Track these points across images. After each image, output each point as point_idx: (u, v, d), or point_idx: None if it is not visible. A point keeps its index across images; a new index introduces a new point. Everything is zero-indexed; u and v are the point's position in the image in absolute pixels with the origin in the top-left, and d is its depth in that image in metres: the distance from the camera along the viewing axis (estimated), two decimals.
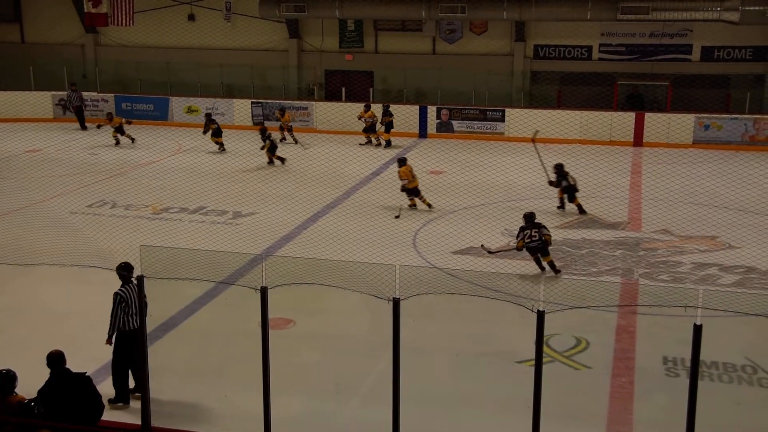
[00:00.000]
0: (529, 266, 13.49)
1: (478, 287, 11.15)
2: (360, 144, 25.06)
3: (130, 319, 8.99)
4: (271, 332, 7.38)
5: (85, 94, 29.09)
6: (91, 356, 9.23)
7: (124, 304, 8.98)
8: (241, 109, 28.26)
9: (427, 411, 8.89)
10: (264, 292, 7.18)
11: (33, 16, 32.16)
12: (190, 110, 28.40)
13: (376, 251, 13.56)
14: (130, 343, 8.84)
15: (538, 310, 6.66)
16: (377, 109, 25.44)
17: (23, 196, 17.87)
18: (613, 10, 25.24)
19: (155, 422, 7.67)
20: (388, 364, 7.23)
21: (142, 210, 17.31)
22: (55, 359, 7.65)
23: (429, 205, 17.48)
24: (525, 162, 21.63)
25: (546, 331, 6.75)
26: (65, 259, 13.20)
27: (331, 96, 29.54)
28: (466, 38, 29.01)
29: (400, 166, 17.74)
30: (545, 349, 10.02)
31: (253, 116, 28.04)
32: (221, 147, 23.83)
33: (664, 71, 27.33)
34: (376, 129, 25.05)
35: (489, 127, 26.61)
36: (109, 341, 9.03)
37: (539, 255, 13.28)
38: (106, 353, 9.97)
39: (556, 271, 13.13)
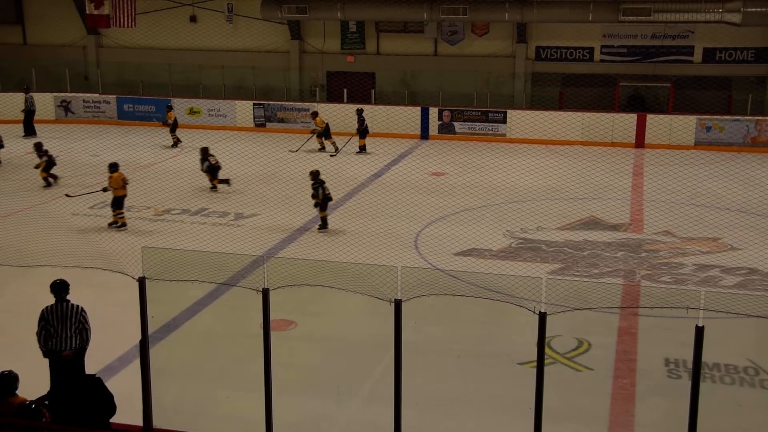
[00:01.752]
0: (531, 268, 13.48)
1: (479, 289, 11.13)
2: (319, 149, 24.50)
3: (54, 340, 8.63)
4: (272, 334, 7.38)
5: (87, 95, 29.15)
6: (94, 358, 9.22)
7: (44, 323, 8.68)
8: (243, 111, 28.28)
9: (428, 413, 8.88)
10: (266, 293, 7.17)
11: (35, 18, 32.20)
12: (191, 112, 28.42)
13: (377, 253, 13.56)
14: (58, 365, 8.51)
15: (540, 312, 6.65)
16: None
17: (25, 198, 17.89)
18: (614, 12, 25.26)
19: (157, 423, 7.67)
20: (389, 365, 7.23)
21: (144, 211, 17.32)
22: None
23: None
24: (527, 164, 21.66)
25: (548, 333, 6.74)
26: (67, 260, 13.20)
27: (333, 97, 29.57)
28: (467, 40, 29.02)
29: (111, 173, 16.13)
30: (547, 350, 10.03)
31: (254, 118, 28.06)
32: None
33: (665, 73, 27.33)
34: (323, 135, 24.47)
35: (491, 128, 26.61)
36: (44, 356, 8.69)
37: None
38: (109, 354, 10.00)
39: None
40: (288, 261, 10.25)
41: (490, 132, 26.59)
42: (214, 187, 19.32)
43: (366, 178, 20.79)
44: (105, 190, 16.37)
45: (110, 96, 29.24)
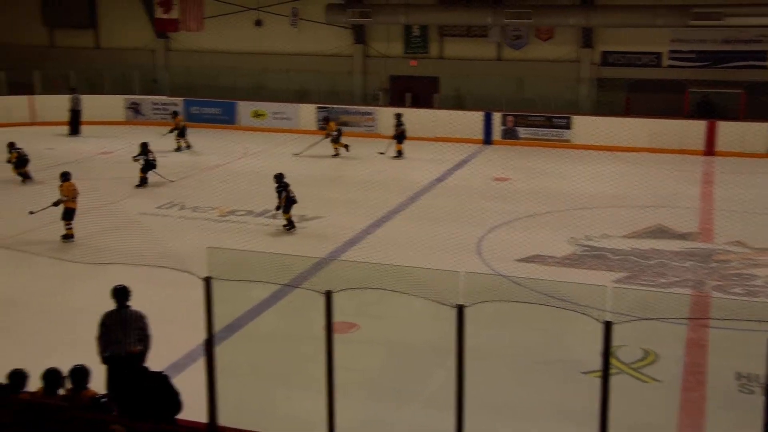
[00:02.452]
0: (596, 276, 13.26)
1: (542, 296, 10.99)
2: (333, 155, 24.32)
3: (115, 346, 8.72)
4: (334, 336, 7.40)
5: (155, 98, 29.78)
6: (160, 355, 9.36)
7: (104, 328, 8.80)
8: (306, 114, 28.53)
9: (489, 419, 8.79)
10: (328, 295, 7.19)
11: (107, 23, 33.05)
12: (256, 115, 28.78)
13: (440, 257, 13.51)
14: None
15: (605, 321, 6.53)
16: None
17: (96, 197, 18.32)
18: (684, 16, 24.70)
19: (221, 421, 7.76)
20: (449, 371, 7.18)
21: (209, 212, 17.59)
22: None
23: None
24: (591, 170, 21.34)
25: (613, 343, 6.61)
26: (135, 259, 13.50)
27: (396, 101, 29.60)
28: (532, 44, 28.75)
29: (62, 181, 15.69)
30: (612, 360, 9.84)
31: (318, 121, 28.27)
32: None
33: (737, 78, 26.60)
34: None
35: (555, 134, 26.32)
36: (102, 362, 8.71)
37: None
38: (175, 352, 10.16)
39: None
40: (351, 264, 10.30)
41: (554, 137, 26.29)
42: (142, 181, 19.99)
43: (428, 182, 20.74)
44: (57, 203, 15.35)
45: (178, 98, 29.81)
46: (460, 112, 27.00)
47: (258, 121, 28.65)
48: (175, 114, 25.27)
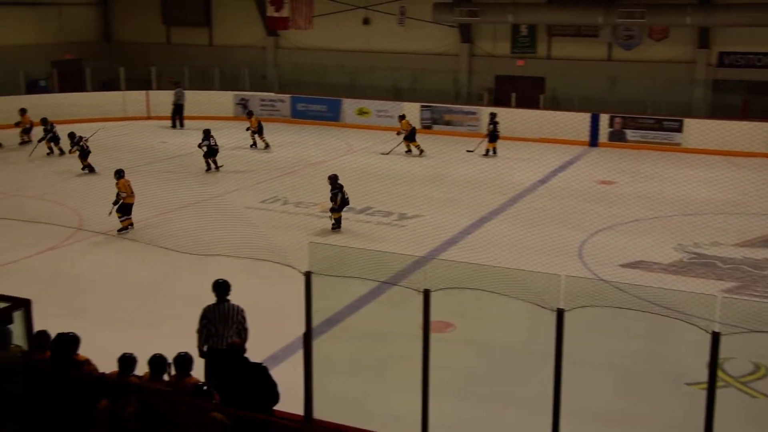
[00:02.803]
0: (704, 284, 12.78)
1: (646, 303, 10.67)
2: (406, 152, 24.36)
3: (215, 339, 8.92)
4: (431, 335, 7.39)
5: (263, 94, 30.49)
6: (260, 347, 9.56)
7: (206, 321, 8.99)
8: (410, 113, 28.53)
9: (586, 428, 8.60)
10: (427, 294, 7.19)
11: (221, 21, 34.04)
12: (361, 112, 29.05)
13: (540, 260, 13.29)
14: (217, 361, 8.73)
15: (713, 332, 6.28)
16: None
17: (203, 190, 18.91)
18: None
19: (316, 415, 7.87)
20: (547, 375, 7.06)
21: (312, 208, 17.87)
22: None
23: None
24: (703, 175, 20.59)
25: (721, 354, 6.35)
26: (238, 251, 13.86)
27: (501, 101, 29.30)
28: (644, 44, 27.92)
29: (117, 179, 16.06)
30: (719, 373, 9.46)
31: (421, 120, 28.31)
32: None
33: None
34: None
35: (665, 137, 25.48)
36: (200, 355, 8.88)
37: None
38: (274, 344, 10.37)
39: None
40: (449, 263, 10.26)
41: (665, 141, 25.46)
42: (209, 167, 21.31)
43: (531, 183, 20.46)
44: (117, 202, 15.78)
45: (285, 95, 30.42)
46: (566, 113, 26.50)
47: (362, 118, 28.90)
48: (250, 114, 25.63)
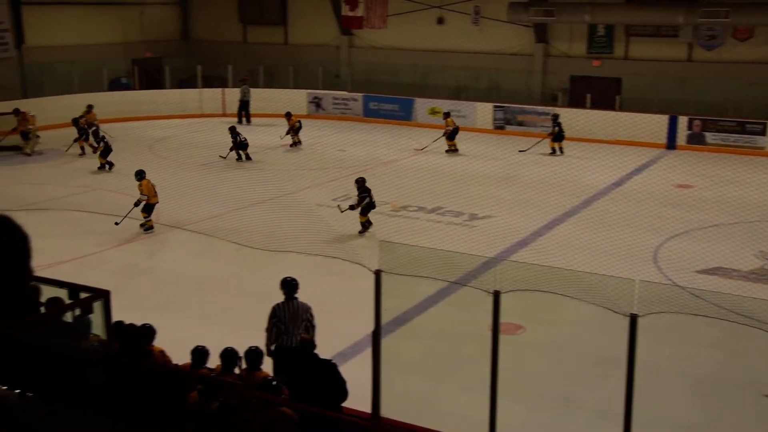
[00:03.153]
0: None
1: (724, 311, 10.37)
2: (446, 151, 24.30)
3: (285, 337, 8.99)
4: (500, 337, 7.33)
5: (336, 93, 30.72)
6: (329, 344, 9.65)
7: (276, 320, 9.07)
8: (483, 113, 28.44)
9: None
10: (497, 296, 7.13)
11: (296, 19, 34.44)
12: (433, 112, 29.00)
13: (613, 264, 13.05)
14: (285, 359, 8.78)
15: None
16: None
17: (277, 187, 19.15)
18: None
19: (383, 412, 7.89)
20: (618, 382, 6.93)
21: (382, 206, 17.91)
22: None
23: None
24: None
25: None
26: (310, 248, 14.01)
27: (575, 102, 28.85)
28: (727, 45, 27.08)
29: (139, 180, 16.15)
30: None
31: (494, 120, 28.10)
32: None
33: None
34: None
35: (747, 140, 24.71)
36: (267, 354, 8.93)
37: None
38: (342, 341, 10.43)
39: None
40: (520, 265, 10.17)
41: (747, 144, 24.68)
42: (240, 158, 22.43)
43: (605, 186, 20.10)
44: (138, 203, 15.92)
45: (357, 94, 30.59)
46: (643, 115, 25.91)
47: (434, 118, 28.82)
48: (288, 115, 25.54)
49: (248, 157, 22.68)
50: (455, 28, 30.92)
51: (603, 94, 28.04)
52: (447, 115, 25.05)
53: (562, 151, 24.09)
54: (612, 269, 12.30)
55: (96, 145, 22.09)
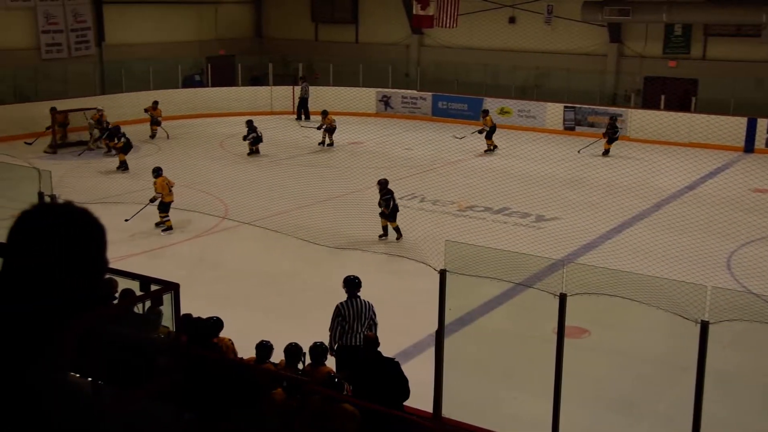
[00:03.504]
0: None
1: None
2: (485, 151, 24.10)
3: (348, 336, 8.99)
4: (565, 340, 7.24)
5: (405, 92, 30.76)
6: (392, 342, 9.67)
7: (340, 318, 9.06)
8: (553, 113, 28.09)
9: None
10: (563, 298, 7.06)
11: (367, 18, 34.61)
12: (502, 112, 28.77)
13: (684, 269, 12.74)
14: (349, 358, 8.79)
15: None
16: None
17: (342, 185, 19.28)
18: None
19: (445, 413, 7.89)
20: (686, 389, 6.77)
21: (449, 206, 17.87)
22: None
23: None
24: None
25: None
26: (374, 247, 14.07)
27: (649, 104, 28.25)
28: None
29: (155, 177, 15.91)
30: None
31: (564, 121, 27.73)
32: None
33: None
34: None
35: None
36: (331, 353, 8.88)
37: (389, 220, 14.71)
38: (405, 340, 10.44)
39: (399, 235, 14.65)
40: (587, 268, 9.99)
41: None
42: (251, 152, 22.79)
43: (677, 189, 19.63)
44: (153, 200, 15.83)
45: (426, 93, 30.55)
46: (720, 117, 25.20)
47: (503, 118, 28.60)
48: (325, 113, 25.33)
49: (257, 151, 23.00)
50: (527, 28, 30.61)
51: (678, 95, 27.40)
52: (486, 113, 24.78)
53: (607, 153, 23.77)
54: (683, 275, 12.01)
55: (108, 143, 22.24)
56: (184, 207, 16.34)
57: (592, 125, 27.27)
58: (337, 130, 24.87)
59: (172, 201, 15.95)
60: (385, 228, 15.51)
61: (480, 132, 24.42)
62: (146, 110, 25.55)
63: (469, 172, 21.46)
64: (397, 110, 30.77)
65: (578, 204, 17.98)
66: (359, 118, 29.17)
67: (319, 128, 24.91)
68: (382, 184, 15.55)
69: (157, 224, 15.96)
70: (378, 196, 15.51)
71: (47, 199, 9.90)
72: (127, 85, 28.57)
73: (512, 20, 31.07)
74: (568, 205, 17.90)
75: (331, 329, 9.14)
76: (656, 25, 28.11)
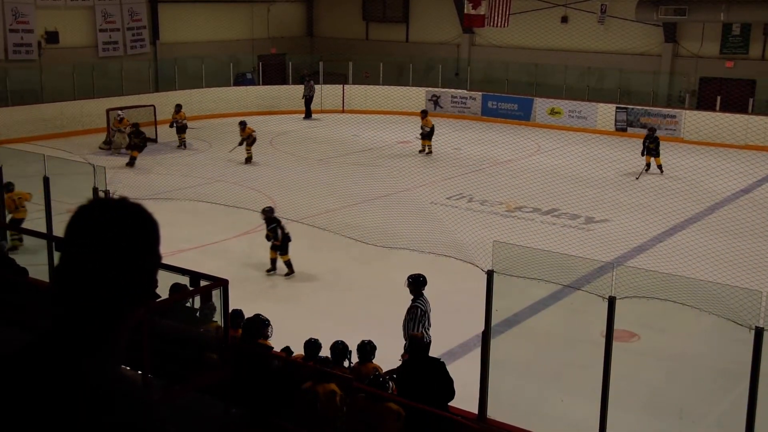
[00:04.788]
0: None
1: None
2: (419, 151, 23.59)
3: (426, 332, 8.99)
4: (613, 344, 7.16)
5: (454, 91, 30.66)
6: (438, 342, 9.65)
7: (425, 318, 9.03)
8: (604, 114, 27.73)
9: None
10: (612, 301, 6.98)
11: (418, 17, 34.60)
12: (553, 112, 28.52)
13: (738, 274, 12.48)
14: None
15: None
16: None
17: (391, 184, 19.30)
18: None
19: (491, 414, 7.86)
20: (739, 397, 6.64)
21: (497, 206, 17.77)
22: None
23: None
24: None
25: None
26: (422, 246, 14.05)
27: (704, 105, 27.71)
28: None
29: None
30: None
31: (616, 122, 27.37)
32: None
33: None
34: None
35: None
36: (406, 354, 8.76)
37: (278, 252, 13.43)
38: (452, 340, 10.42)
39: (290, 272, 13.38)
40: (637, 271, 9.84)
41: None
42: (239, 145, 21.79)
43: (732, 193, 19.23)
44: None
45: (476, 93, 30.41)
46: None
47: (553, 118, 28.37)
48: (425, 113, 24.78)
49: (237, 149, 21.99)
50: (579, 27, 30.27)
51: (735, 96, 26.80)
52: (425, 113, 24.18)
53: (660, 169, 21.79)
54: (737, 279, 11.77)
55: (130, 141, 22.10)
56: (233, 204, 16.53)
57: (644, 126, 26.82)
58: (385, 129, 24.90)
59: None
60: (273, 261, 13.77)
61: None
62: (172, 123, 23.96)
63: (518, 173, 21.30)
64: (447, 110, 30.67)
65: (629, 206, 17.74)
66: (408, 117, 29.16)
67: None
68: (267, 213, 13.92)
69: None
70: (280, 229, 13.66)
71: (101, 195, 10.11)
72: (180, 83, 29.01)
73: (564, 20, 30.76)
74: (619, 207, 17.67)
75: (411, 330, 8.95)
76: (713, 25, 27.56)
